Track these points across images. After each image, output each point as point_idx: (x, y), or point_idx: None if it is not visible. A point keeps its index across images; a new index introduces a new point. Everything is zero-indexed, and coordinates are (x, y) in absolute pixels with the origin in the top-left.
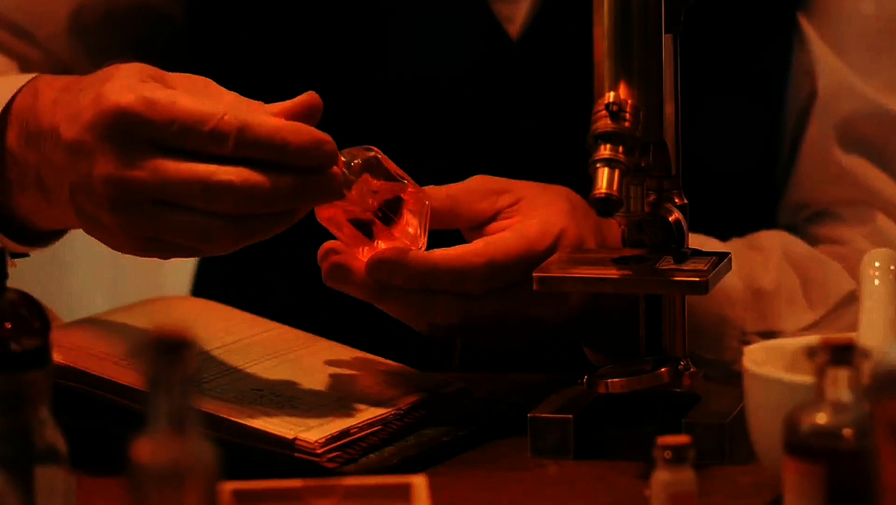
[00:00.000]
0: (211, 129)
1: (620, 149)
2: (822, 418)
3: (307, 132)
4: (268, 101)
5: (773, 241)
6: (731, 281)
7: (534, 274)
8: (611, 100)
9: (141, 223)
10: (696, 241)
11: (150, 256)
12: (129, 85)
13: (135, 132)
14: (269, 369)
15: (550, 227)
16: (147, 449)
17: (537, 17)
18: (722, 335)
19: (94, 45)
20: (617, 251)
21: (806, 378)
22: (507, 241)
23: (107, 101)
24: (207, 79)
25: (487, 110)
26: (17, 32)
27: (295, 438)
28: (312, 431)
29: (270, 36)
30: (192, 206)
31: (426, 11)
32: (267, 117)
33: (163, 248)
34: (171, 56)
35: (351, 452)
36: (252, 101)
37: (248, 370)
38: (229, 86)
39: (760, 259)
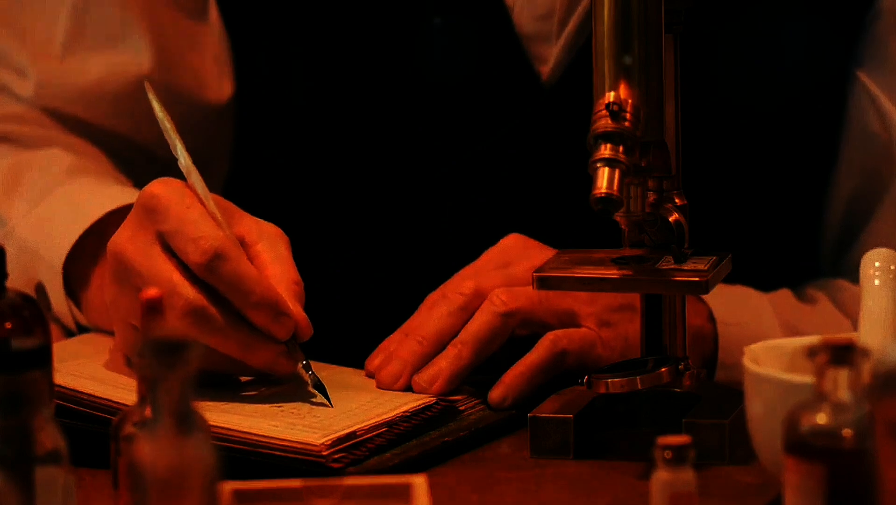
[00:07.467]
0: (194, 240)
1: (621, 149)
2: (822, 418)
3: (273, 296)
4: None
5: (820, 291)
6: (773, 334)
7: (533, 274)
8: (611, 100)
9: (122, 302)
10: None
11: (129, 352)
12: (168, 181)
13: (148, 219)
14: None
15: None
16: (147, 449)
17: (571, 59)
18: None
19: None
20: (617, 251)
21: (806, 378)
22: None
23: (148, 186)
24: (233, 205)
25: (518, 149)
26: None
27: (305, 445)
28: (317, 434)
29: (316, 69)
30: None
31: (458, 48)
32: (248, 264)
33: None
34: None
35: (357, 452)
36: (276, 244)
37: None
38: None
39: (807, 308)
